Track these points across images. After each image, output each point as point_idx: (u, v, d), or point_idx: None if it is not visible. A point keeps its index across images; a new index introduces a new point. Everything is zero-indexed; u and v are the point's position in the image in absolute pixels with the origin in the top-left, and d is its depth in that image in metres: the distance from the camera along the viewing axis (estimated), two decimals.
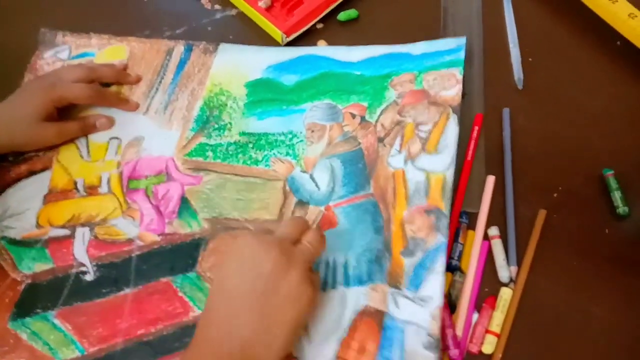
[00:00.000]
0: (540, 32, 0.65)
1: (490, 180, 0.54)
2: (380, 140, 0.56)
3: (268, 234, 0.44)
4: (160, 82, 0.64)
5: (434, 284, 0.47)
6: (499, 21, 0.65)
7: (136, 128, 0.61)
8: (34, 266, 0.53)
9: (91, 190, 0.57)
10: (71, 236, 0.55)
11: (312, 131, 0.58)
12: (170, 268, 0.52)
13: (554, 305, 0.49)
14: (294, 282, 0.40)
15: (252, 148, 0.58)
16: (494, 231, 0.52)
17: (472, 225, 0.52)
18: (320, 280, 0.46)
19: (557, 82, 0.61)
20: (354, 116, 0.58)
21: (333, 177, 0.55)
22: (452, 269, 0.50)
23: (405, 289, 0.47)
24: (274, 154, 0.57)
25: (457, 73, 0.58)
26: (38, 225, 0.56)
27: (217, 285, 0.43)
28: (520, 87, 0.60)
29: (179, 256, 0.52)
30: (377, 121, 0.57)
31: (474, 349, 0.47)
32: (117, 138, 0.60)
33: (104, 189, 0.57)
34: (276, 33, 0.64)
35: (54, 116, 0.58)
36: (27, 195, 0.58)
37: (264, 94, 0.61)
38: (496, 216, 0.53)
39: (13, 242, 0.55)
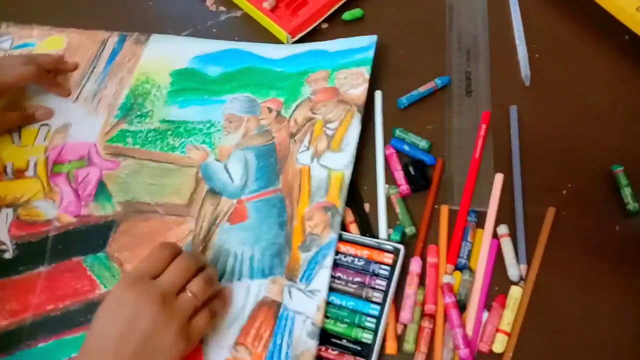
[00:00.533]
0: (547, 27, 0.64)
1: (499, 178, 0.53)
2: (292, 135, 0.59)
3: (153, 276, 0.44)
4: (92, 71, 0.66)
5: (322, 278, 0.50)
6: (504, 18, 0.65)
7: (65, 115, 0.64)
8: None
9: (19, 173, 0.60)
10: None
11: (230, 122, 0.61)
12: (82, 248, 0.55)
13: (564, 304, 0.49)
14: (169, 340, 0.42)
15: (171, 135, 0.60)
16: (503, 229, 0.51)
17: (481, 224, 0.52)
18: (200, 326, 0.45)
19: (565, 78, 0.60)
20: (270, 110, 0.61)
21: (246, 170, 0.57)
22: (461, 267, 0.50)
23: (299, 281, 0.50)
24: (190, 141, 0.60)
25: (365, 72, 0.60)
26: None
27: (93, 328, 0.43)
28: (527, 84, 0.60)
29: (92, 237, 0.55)
30: (291, 116, 0.60)
31: (484, 348, 0.47)
32: (46, 124, 0.63)
33: (30, 172, 0.60)
34: (281, 34, 0.65)
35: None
36: None
37: (188, 83, 0.64)
38: (505, 214, 0.52)
39: None
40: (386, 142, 0.58)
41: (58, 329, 0.51)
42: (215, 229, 0.54)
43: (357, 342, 0.48)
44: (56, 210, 0.58)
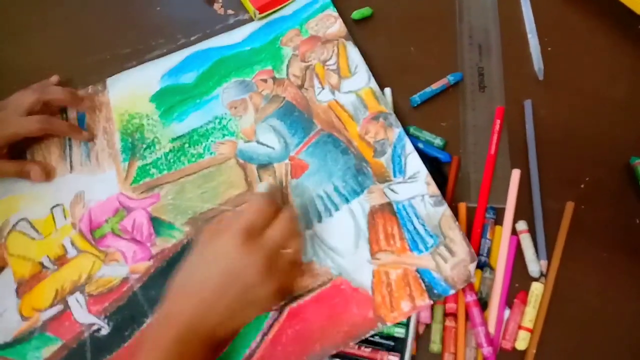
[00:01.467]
0: (559, 20, 0.62)
1: (516, 174, 0.52)
2: (300, 87, 0.60)
3: (257, 229, 0.45)
4: (70, 138, 0.63)
5: (414, 161, 0.53)
6: (515, 11, 0.63)
7: (72, 187, 0.60)
8: (42, 354, 0.52)
9: (61, 260, 0.56)
10: (66, 308, 0.53)
11: (235, 108, 0.61)
12: None
13: (587, 299, 0.48)
14: (265, 297, 0.44)
15: (189, 147, 0.59)
16: (522, 225, 0.51)
17: (499, 221, 0.51)
18: (294, 285, 0.48)
19: (578, 70, 0.59)
20: (265, 81, 0.62)
21: (279, 133, 0.58)
22: (481, 265, 0.49)
23: (394, 178, 0.52)
24: (211, 141, 0.59)
25: (332, 12, 0.64)
26: (24, 319, 0.53)
27: (197, 268, 0.44)
28: (540, 77, 0.58)
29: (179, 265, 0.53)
30: (288, 75, 0.61)
31: (507, 345, 0.47)
32: (58, 205, 0.59)
33: (72, 253, 0.56)
34: (250, 9, 0.65)
35: (3, 152, 0.58)
36: None
37: (172, 98, 0.63)
38: (523, 210, 0.51)
39: (6, 346, 0.52)
40: None
41: None
42: (286, 191, 0.55)
43: (389, 337, 0.49)
44: (125, 266, 0.54)
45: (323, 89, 0.59)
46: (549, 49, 0.61)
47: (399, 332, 0.48)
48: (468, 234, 0.50)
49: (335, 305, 0.48)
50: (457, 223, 0.49)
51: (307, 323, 0.48)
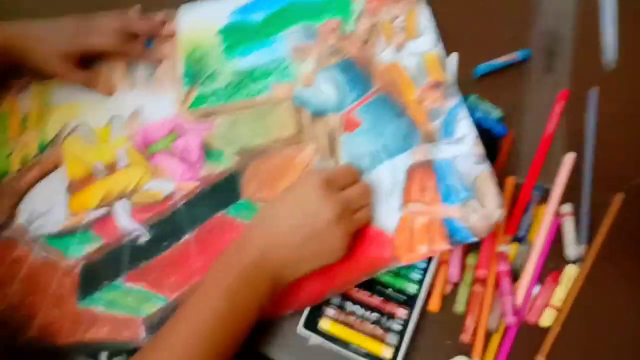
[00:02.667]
0: (636, 12, 0.60)
1: (570, 157, 0.52)
2: (365, 42, 0.61)
3: (336, 186, 0.48)
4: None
5: (465, 125, 0.53)
6: None
7: (131, 103, 0.62)
8: (83, 249, 0.55)
9: (112, 168, 0.59)
10: (110, 212, 0.56)
11: (297, 52, 0.62)
12: (218, 204, 0.55)
13: (617, 291, 0.49)
14: (337, 244, 0.47)
15: (249, 82, 0.61)
16: (567, 208, 0.51)
17: (544, 200, 0.51)
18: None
19: None
20: (332, 31, 0.63)
21: (337, 86, 0.59)
22: (519, 239, 0.50)
23: (442, 139, 0.53)
24: (270, 80, 0.61)
25: None
26: (72, 215, 0.57)
27: (276, 207, 0.48)
28: (611, 67, 0.58)
29: (222, 191, 0.55)
30: (354, 30, 0.62)
31: (531, 319, 0.48)
32: (116, 117, 0.62)
33: (122, 163, 0.59)
34: None
35: (75, 59, 0.62)
36: (49, 193, 0.59)
37: (238, 35, 0.64)
38: (571, 195, 0.51)
39: (52, 236, 0.56)
40: None
41: None
42: (336, 142, 0.56)
43: (402, 292, 0.50)
44: (172, 183, 0.57)
45: (387, 47, 0.60)
46: (624, 40, 0.59)
47: (412, 287, 0.49)
48: (511, 208, 0.51)
49: (356, 245, 0.50)
50: (493, 179, 0.50)
51: None
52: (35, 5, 0.70)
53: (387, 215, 0.51)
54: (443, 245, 0.48)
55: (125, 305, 0.52)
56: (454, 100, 0.55)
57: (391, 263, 0.49)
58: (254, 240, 0.47)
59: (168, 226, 0.55)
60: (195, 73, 0.63)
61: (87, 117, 0.62)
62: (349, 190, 0.49)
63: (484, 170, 0.50)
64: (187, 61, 0.64)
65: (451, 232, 0.49)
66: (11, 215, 0.58)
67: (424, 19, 0.60)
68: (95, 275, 0.53)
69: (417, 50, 0.59)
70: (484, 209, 0.49)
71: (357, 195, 0.49)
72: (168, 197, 0.56)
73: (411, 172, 0.52)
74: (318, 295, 0.49)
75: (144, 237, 0.55)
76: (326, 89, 0.59)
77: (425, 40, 0.59)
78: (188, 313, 0.44)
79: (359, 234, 0.50)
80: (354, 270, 0.49)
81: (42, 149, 0.61)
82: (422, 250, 0.49)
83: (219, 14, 0.66)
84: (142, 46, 0.64)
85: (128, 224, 0.55)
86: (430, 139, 0.54)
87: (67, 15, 0.63)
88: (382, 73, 0.59)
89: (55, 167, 0.60)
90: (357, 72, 0.59)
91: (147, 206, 0.56)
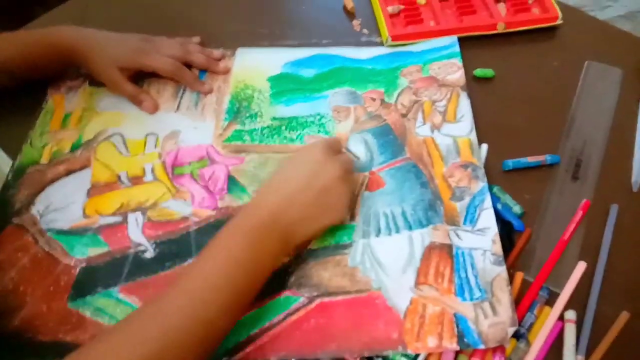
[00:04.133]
0: None
1: (581, 265, 0.53)
2: (404, 115, 0.63)
3: (333, 150, 0.54)
4: None
5: (488, 217, 0.53)
6: (630, 120, 0.65)
7: (171, 124, 0.65)
8: (88, 251, 0.55)
9: (136, 180, 0.60)
10: (124, 222, 0.57)
11: (338, 112, 0.64)
12: None
13: None
14: (342, 199, 0.52)
15: (285, 129, 0.63)
16: (571, 315, 0.51)
17: (550, 302, 0.51)
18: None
19: None
20: (374, 99, 0.65)
21: (369, 148, 0.60)
22: (519, 336, 0.49)
23: (463, 225, 0.53)
24: (306, 132, 0.62)
25: (457, 62, 0.67)
26: (85, 216, 0.57)
27: (284, 171, 0.52)
28: (635, 189, 0.59)
29: None
30: (396, 101, 0.65)
31: None
32: (153, 133, 0.64)
33: (148, 177, 0.60)
34: (384, 34, 0.71)
35: (130, 73, 0.66)
36: (70, 191, 0.59)
37: (286, 85, 0.67)
38: (577, 302, 0.51)
39: (61, 232, 0.56)
40: None
41: None
42: (357, 199, 0.57)
43: None
44: (190, 207, 0.57)
45: (424, 124, 0.62)
46: None
47: None
48: (516, 304, 0.50)
49: (364, 315, 0.49)
50: (509, 287, 0.49)
51: (332, 320, 0.49)
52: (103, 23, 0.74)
53: (399, 293, 0.50)
54: (452, 345, 0.47)
55: (113, 316, 0.51)
56: (481, 184, 0.55)
57: (398, 346, 0.47)
58: (264, 203, 0.49)
59: (175, 247, 0.55)
60: (238, 110, 0.65)
61: (125, 128, 0.65)
62: (343, 154, 0.55)
63: (501, 274, 0.50)
64: (233, 98, 0.66)
65: (461, 331, 0.47)
66: (28, 203, 0.59)
67: (464, 106, 0.62)
68: (92, 280, 0.53)
69: (452, 133, 0.60)
70: (496, 317, 0.48)
71: (348, 159, 0.55)
72: (182, 219, 0.57)
73: (428, 251, 0.52)
74: (315, 346, 0.48)
75: (149, 253, 0.54)
76: (357, 149, 0.61)
77: (461, 126, 0.61)
78: (189, 278, 0.44)
79: (369, 304, 0.49)
80: (356, 341, 0.48)
81: (75, 148, 0.63)
82: (431, 343, 0.47)
83: (273, 62, 0.70)
84: (195, 76, 0.68)
85: (137, 236, 0.56)
86: (452, 220, 0.54)
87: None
88: (415, 145, 0.60)
89: (83, 167, 0.61)
90: (390, 138, 0.61)
91: (160, 223, 0.57)
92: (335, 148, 0.54)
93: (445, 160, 0.58)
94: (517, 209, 0.57)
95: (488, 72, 0.69)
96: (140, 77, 0.67)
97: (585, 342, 0.50)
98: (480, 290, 0.49)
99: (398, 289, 0.50)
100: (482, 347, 0.47)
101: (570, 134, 0.63)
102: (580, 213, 0.56)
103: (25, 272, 0.54)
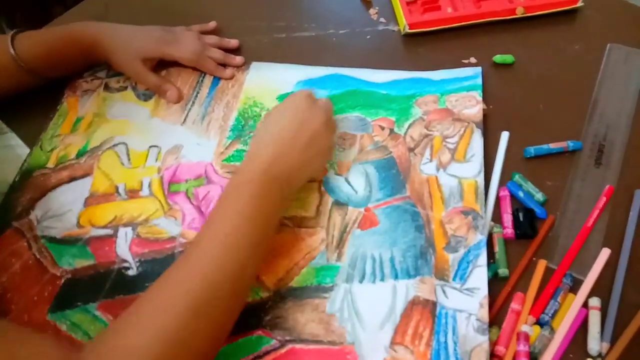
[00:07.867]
0: None
1: (605, 252, 0.52)
2: (411, 150, 0.60)
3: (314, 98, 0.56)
4: (197, 96, 0.67)
5: (480, 277, 0.50)
6: None
7: (175, 137, 0.64)
8: (75, 262, 0.55)
9: (132, 193, 0.60)
10: (113, 235, 0.57)
11: (344, 139, 0.62)
12: None
13: None
14: (329, 142, 0.55)
15: None
16: (595, 302, 0.50)
17: (574, 290, 0.51)
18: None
19: None
20: (382, 128, 0.62)
21: (369, 181, 0.58)
22: (543, 323, 0.49)
23: (452, 281, 0.50)
24: None
25: (477, 95, 0.63)
26: (79, 225, 0.58)
27: (270, 122, 0.54)
28: None
29: None
30: (405, 133, 0.61)
31: None
32: (156, 146, 0.63)
33: (145, 192, 0.60)
34: (402, 22, 0.71)
35: (153, 64, 0.68)
36: (69, 198, 0.60)
37: None
38: (601, 289, 0.51)
39: (53, 240, 0.57)
40: (502, 183, 0.58)
41: None
42: (347, 236, 0.54)
43: None
44: (179, 227, 0.57)
45: (430, 161, 0.58)
46: None
47: None
48: (539, 292, 0.50)
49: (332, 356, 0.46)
50: None
51: None
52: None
53: (372, 351, 0.47)
54: None
55: (87, 332, 0.51)
56: (479, 237, 0.52)
57: None
58: (260, 156, 0.50)
59: (158, 267, 0.54)
60: (242, 128, 0.64)
61: (130, 138, 0.64)
62: (322, 100, 0.57)
63: (483, 344, 0.46)
64: (240, 115, 0.65)
65: None
66: (28, 208, 0.59)
67: (476, 145, 0.58)
68: (74, 293, 0.53)
69: (459, 174, 0.57)
70: None
71: (330, 103, 0.58)
72: (170, 239, 0.56)
73: (411, 307, 0.49)
74: None
75: (132, 271, 0.54)
76: (356, 182, 0.58)
77: (470, 167, 0.57)
78: (208, 229, 0.46)
79: (340, 358, 0.47)
80: None
81: (81, 154, 0.63)
82: None
83: (286, 80, 0.68)
84: (215, 64, 0.69)
85: (123, 252, 0.55)
86: (441, 273, 0.50)
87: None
88: (417, 183, 0.57)
89: (85, 175, 0.62)
90: (393, 173, 0.58)
91: (148, 241, 0.56)
92: (314, 96, 0.56)
93: (446, 204, 0.55)
94: (539, 196, 0.56)
95: (508, 58, 0.67)
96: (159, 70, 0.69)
97: (610, 329, 0.49)
98: (457, 359, 0.46)
99: (372, 346, 0.47)
100: None
101: (592, 120, 0.62)
102: (603, 199, 0.56)
103: (15, 278, 0.54)
